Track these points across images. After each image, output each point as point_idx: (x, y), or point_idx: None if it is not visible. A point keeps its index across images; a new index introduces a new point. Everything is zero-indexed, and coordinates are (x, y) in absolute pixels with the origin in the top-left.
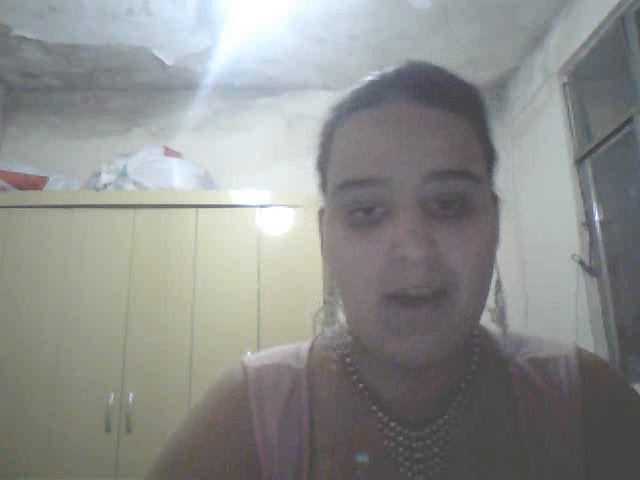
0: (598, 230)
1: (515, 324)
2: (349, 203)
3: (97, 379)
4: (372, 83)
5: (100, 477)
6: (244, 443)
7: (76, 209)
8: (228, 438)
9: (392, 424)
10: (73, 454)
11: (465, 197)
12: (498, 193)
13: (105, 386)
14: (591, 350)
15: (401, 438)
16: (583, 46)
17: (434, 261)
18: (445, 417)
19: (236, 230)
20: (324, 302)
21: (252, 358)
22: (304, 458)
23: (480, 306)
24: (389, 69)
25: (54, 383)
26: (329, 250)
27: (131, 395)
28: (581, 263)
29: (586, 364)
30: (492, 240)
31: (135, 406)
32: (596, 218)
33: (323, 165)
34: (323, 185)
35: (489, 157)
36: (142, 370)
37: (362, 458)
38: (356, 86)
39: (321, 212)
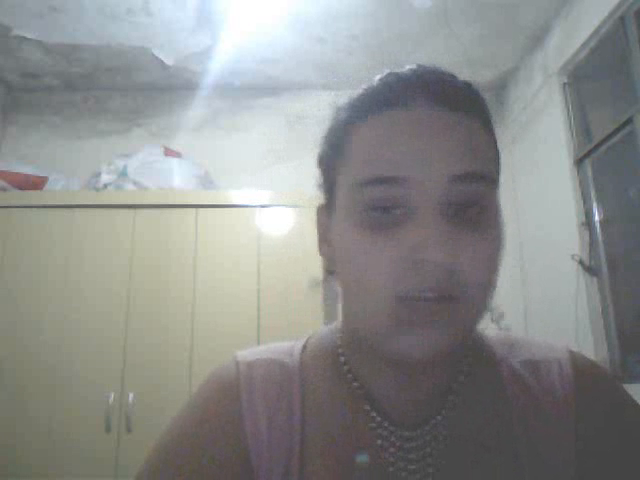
0: (598, 230)
1: (515, 324)
2: (368, 201)
3: (97, 379)
4: (393, 84)
5: (100, 477)
6: (234, 438)
7: (76, 209)
8: (219, 433)
9: (385, 424)
10: (73, 454)
11: (482, 200)
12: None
13: (105, 386)
14: (591, 350)
15: (394, 438)
16: (583, 46)
17: (451, 267)
18: (438, 417)
19: (236, 230)
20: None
21: (245, 353)
22: (295, 455)
23: (485, 309)
24: (406, 71)
25: (54, 383)
26: (339, 249)
27: (131, 395)
28: (581, 263)
29: (579, 367)
30: (502, 247)
31: (135, 406)
32: (596, 218)
33: (331, 163)
34: (327, 182)
35: (498, 160)
36: (142, 370)
37: (362, 458)
38: (373, 86)
39: (320, 208)
